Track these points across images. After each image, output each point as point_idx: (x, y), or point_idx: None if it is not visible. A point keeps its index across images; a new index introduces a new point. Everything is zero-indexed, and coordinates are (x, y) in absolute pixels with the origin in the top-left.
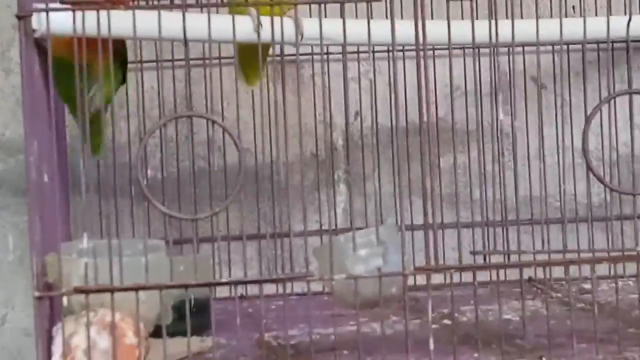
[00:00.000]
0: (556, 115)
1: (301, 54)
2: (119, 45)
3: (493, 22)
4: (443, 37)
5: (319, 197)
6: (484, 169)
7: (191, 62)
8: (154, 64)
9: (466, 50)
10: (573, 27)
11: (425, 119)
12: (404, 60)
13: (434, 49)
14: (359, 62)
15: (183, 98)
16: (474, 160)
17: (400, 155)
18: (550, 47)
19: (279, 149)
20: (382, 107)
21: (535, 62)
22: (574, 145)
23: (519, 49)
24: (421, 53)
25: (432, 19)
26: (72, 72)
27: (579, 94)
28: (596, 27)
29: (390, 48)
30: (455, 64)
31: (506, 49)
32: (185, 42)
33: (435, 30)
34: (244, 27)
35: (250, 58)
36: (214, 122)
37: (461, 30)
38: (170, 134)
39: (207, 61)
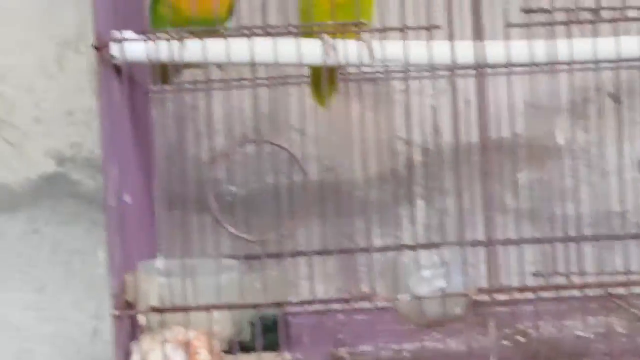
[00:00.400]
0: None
1: (380, 72)
2: None
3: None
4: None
5: (397, 213)
6: (563, 185)
7: (274, 80)
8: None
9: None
10: None
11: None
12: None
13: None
14: (436, 80)
15: (266, 117)
16: (552, 177)
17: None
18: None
19: (359, 165)
20: (461, 123)
21: (613, 78)
22: None
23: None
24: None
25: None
26: None
27: None
28: None
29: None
30: (532, 81)
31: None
32: (253, 65)
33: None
34: (315, 51)
35: (321, 81)
36: (280, 147)
37: (537, 50)
38: (254, 151)
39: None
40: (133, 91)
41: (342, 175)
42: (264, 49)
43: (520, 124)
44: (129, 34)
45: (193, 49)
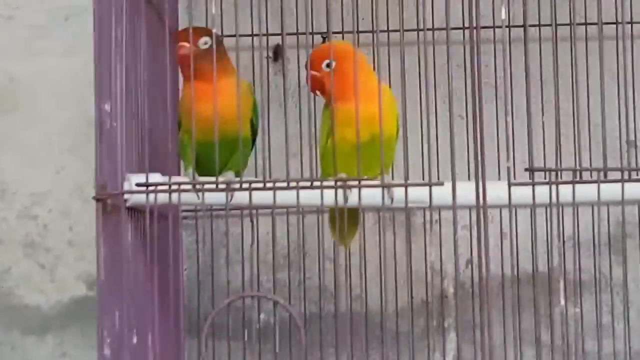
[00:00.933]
0: None
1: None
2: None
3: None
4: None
5: (428, 345)
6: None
7: (305, 208)
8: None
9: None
10: None
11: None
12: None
13: None
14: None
15: (296, 245)
16: (587, 312)
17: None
18: None
19: (389, 295)
20: (493, 255)
21: None
22: None
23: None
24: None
25: None
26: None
27: None
28: None
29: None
30: (567, 214)
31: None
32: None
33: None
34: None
35: (341, 222)
36: (276, 302)
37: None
38: (284, 279)
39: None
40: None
41: (372, 305)
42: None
43: (555, 257)
44: (154, 177)
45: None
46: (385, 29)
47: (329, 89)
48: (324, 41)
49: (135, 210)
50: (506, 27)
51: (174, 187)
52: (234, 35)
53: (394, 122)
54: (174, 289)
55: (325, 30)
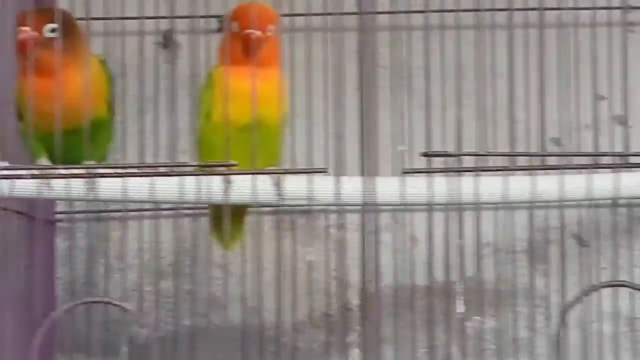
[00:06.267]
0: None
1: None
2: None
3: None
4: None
5: None
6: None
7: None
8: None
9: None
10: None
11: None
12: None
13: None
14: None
15: (182, 250)
16: (506, 326)
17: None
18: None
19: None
20: (402, 264)
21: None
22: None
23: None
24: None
25: None
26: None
27: (626, 254)
28: None
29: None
30: (486, 219)
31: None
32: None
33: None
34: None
35: (222, 220)
36: (121, 307)
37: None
38: (168, 289)
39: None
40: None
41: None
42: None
43: (470, 267)
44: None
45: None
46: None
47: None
48: (220, 27)
49: None
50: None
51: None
52: (120, 18)
53: (283, 106)
54: (39, 297)
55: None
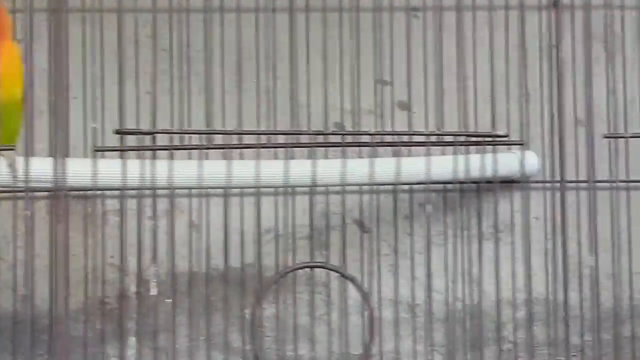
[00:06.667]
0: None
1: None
2: None
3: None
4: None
5: (103, 352)
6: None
7: None
8: None
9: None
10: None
11: None
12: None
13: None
14: (155, 200)
15: None
16: (285, 314)
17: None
18: (377, 187)
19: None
20: (182, 250)
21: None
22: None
23: (338, 188)
24: None
25: None
26: None
27: (407, 240)
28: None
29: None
30: (267, 204)
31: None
32: None
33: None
34: None
35: None
36: None
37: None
38: None
39: None
40: None
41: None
42: None
43: (250, 252)
44: None
45: None
46: None
47: None
48: None
49: None
50: None
51: None
52: None
53: (21, 85)
54: None
55: None
